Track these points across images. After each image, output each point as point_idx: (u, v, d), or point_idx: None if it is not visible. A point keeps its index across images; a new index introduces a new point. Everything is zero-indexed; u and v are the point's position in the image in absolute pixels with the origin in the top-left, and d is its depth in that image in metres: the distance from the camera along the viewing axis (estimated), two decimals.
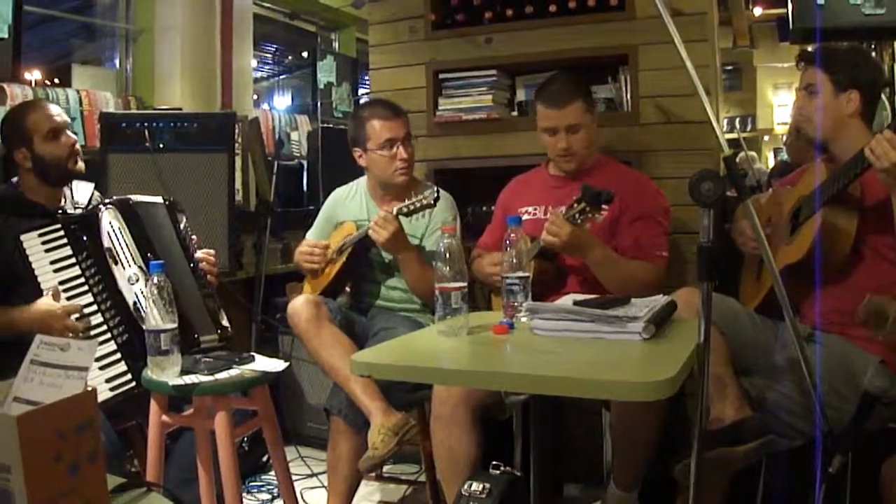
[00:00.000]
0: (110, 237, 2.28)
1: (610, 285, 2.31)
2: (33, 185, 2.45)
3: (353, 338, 2.52)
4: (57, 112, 2.47)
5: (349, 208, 2.79)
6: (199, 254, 2.46)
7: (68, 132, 2.46)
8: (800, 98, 2.21)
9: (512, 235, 1.94)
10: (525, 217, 2.55)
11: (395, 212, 2.49)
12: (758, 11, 8.72)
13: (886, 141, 1.81)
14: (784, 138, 10.10)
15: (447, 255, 1.81)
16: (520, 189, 2.72)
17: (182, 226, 2.46)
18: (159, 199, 2.46)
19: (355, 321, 2.68)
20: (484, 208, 3.10)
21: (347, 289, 2.89)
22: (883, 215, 1.94)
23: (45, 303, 2.19)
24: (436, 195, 2.46)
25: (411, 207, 2.47)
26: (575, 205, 2.22)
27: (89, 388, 1.16)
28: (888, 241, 1.99)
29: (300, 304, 2.52)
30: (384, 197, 2.74)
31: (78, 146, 2.49)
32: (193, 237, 2.49)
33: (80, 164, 2.48)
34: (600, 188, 2.19)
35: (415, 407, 2.55)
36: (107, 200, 2.38)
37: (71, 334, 2.13)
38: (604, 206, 2.21)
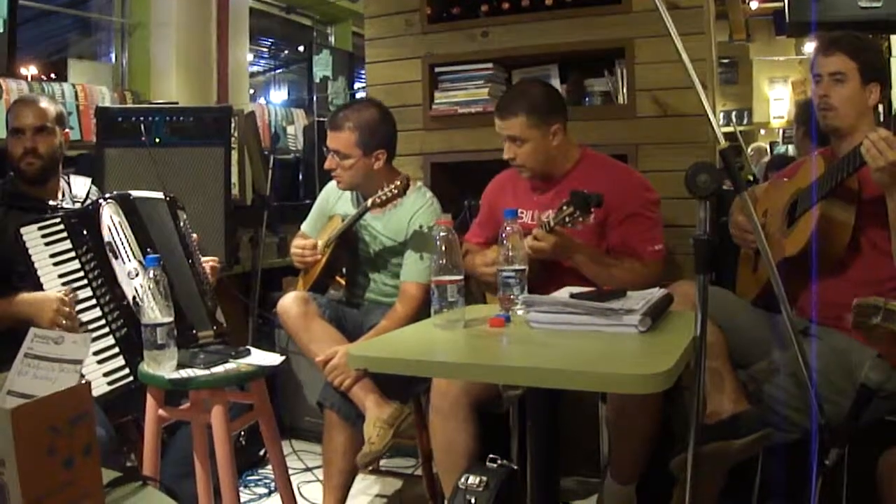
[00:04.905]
0: (111, 231, 2.27)
1: (602, 284, 2.30)
2: (18, 178, 2.46)
3: (343, 332, 2.53)
4: (35, 111, 2.43)
5: (341, 201, 2.79)
6: (205, 264, 2.47)
7: (29, 134, 2.40)
8: (824, 86, 2.08)
9: (508, 229, 1.93)
10: None
11: (369, 204, 2.52)
12: (754, 5, 8.75)
13: (883, 140, 1.80)
14: (782, 131, 10.12)
15: (443, 249, 1.81)
16: (507, 188, 2.66)
17: (182, 222, 2.45)
18: (160, 195, 2.46)
19: (346, 315, 2.67)
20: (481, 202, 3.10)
21: (343, 282, 2.89)
22: (881, 209, 1.93)
23: (45, 292, 2.19)
24: (406, 184, 2.50)
25: (382, 198, 2.51)
26: (564, 208, 2.19)
27: (83, 381, 1.16)
28: (886, 235, 1.97)
29: (289, 302, 2.53)
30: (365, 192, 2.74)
31: (51, 148, 2.43)
32: (194, 235, 2.49)
33: (36, 165, 2.42)
34: (589, 192, 2.14)
35: (411, 399, 2.55)
36: (107, 195, 2.38)
37: (63, 320, 2.13)
38: (592, 210, 2.19)
